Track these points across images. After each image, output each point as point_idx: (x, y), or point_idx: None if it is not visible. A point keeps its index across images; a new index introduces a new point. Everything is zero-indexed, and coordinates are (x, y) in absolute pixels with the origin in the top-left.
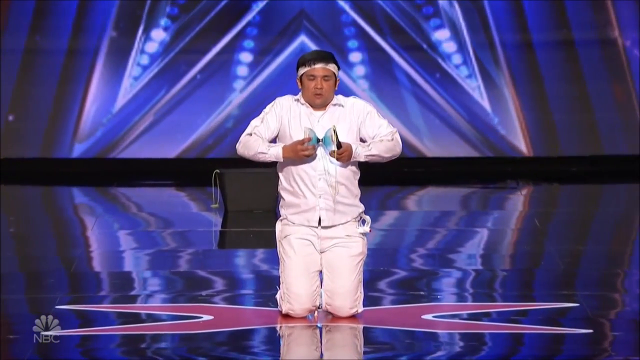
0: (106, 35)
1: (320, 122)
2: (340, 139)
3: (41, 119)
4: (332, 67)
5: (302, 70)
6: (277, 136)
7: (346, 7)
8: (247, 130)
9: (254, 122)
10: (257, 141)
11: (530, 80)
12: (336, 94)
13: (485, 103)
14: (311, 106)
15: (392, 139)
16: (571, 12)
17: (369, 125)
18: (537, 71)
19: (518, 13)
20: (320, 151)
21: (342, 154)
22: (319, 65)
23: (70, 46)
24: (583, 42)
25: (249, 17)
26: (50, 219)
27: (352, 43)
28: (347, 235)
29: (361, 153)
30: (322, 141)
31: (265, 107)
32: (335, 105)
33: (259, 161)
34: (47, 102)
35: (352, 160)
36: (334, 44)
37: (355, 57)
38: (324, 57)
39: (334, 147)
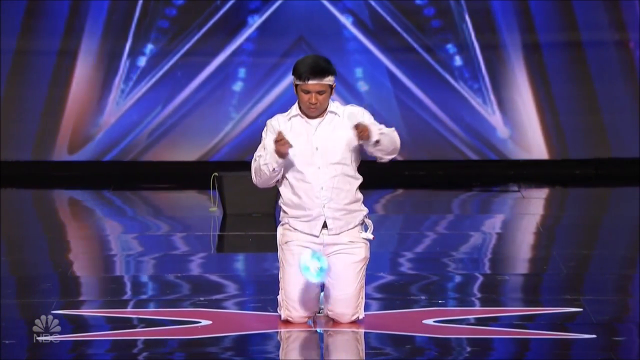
0: (100, 37)
1: (317, 131)
2: (333, 149)
3: (34, 121)
4: (327, 80)
5: (296, 81)
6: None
7: (348, 23)
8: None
9: (257, 152)
10: (259, 160)
11: (536, 82)
12: (332, 100)
13: (489, 105)
14: (306, 116)
15: (394, 133)
16: (579, 12)
17: (366, 121)
18: (544, 73)
19: (524, 13)
20: (316, 160)
21: (362, 132)
22: (312, 82)
23: (63, 47)
24: (591, 43)
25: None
26: (46, 222)
27: (353, 45)
28: (350, 242)
29: (374, 130)
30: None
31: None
32: (331, 112)
33: (273, 177)
34: (39, 104)
35: (370, 135)
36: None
37: (355, 59)
38: (319, 72)
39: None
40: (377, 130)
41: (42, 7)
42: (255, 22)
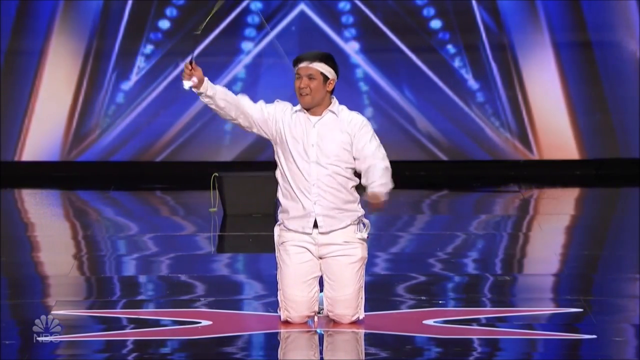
0: (95, 37)
1: (315, 127)
2: (327, 148)
3: (33, 121)
4: (317, 65)
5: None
6: (274, 138)
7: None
8: None
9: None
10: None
11: (541, 82)
12: (341, 103)
13: (492, 106)
14: (306, 110)
15: (385, 167)
16: (588, 13)
17: (359, 137)
18: (551, 73)
19: (533, 13)
20: (311, 156)
21: (375, 204)
22: (302, 65)
23: (57, 47)
24: (600, 43)
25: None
26: (46, 223)
27: (352, 46)
28: (345, 242)
29: (383, 191)
30: None
31: None
32: (331, 112)
33: (211, 106)
34: (37, 105)
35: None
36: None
37: (355, 60)
38: (309, 56)
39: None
40: (384, 192)
41: (32, 7)
42: (257, 24)
